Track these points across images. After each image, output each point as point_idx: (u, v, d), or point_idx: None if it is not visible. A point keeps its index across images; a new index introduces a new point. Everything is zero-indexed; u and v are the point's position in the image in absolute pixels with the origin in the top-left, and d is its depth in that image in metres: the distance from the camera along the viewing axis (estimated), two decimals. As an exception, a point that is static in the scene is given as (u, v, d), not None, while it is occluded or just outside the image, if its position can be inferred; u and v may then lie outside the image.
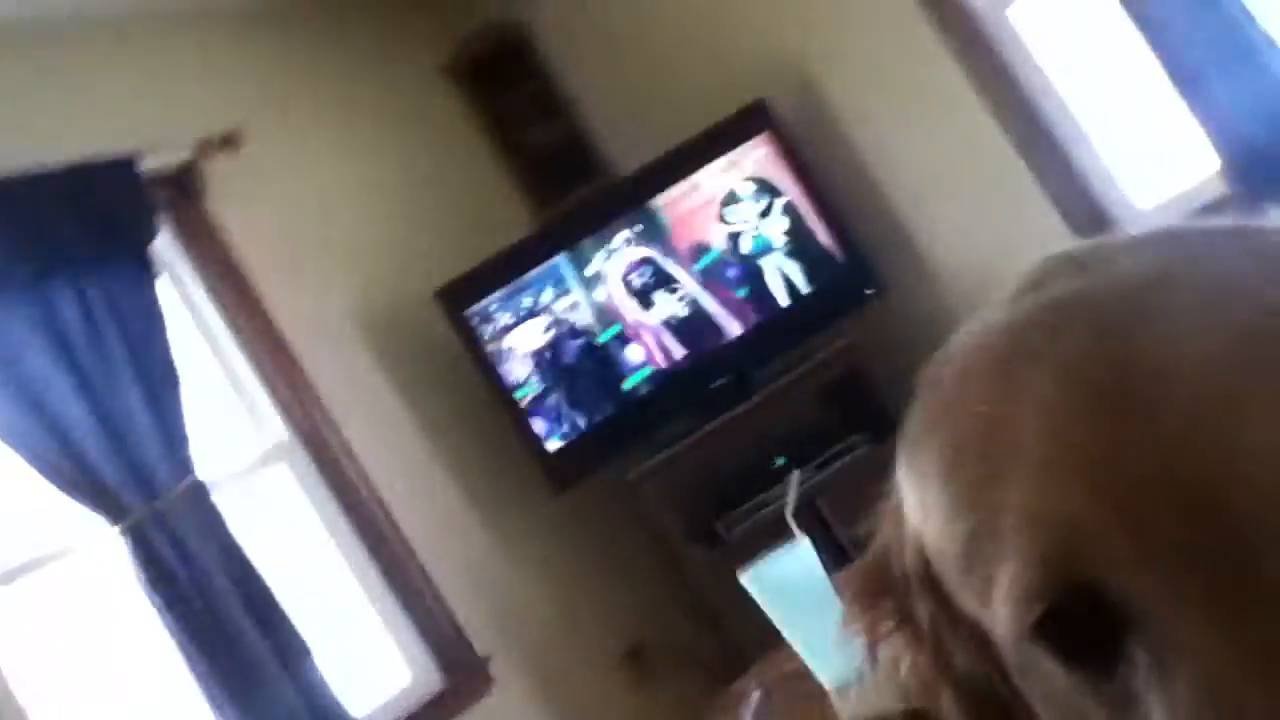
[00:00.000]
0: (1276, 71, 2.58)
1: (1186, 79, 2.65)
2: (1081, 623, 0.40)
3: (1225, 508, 0.37)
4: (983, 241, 3.13)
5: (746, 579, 1.63)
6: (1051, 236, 2.97)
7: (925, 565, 0.47)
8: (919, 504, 0.47)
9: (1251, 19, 2.59)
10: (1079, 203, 2.97)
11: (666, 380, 3.23)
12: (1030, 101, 2.98)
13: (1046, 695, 0.44)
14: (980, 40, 2.99)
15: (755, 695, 1.75)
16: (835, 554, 3.00)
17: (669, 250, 3.24)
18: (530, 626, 3.20)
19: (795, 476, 1.73)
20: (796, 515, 2.72)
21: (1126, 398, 0.39)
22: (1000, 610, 0.42)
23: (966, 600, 0.45)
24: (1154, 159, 2.95)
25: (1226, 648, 0.36)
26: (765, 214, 3.23)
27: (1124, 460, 0.39)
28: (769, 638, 1.76)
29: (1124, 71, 2.85)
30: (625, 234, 3.23)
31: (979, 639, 0.46)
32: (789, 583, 1.63)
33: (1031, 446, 0.40)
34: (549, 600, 3.27)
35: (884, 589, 0.50)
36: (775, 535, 1.71)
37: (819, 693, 1.61)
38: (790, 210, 3.22)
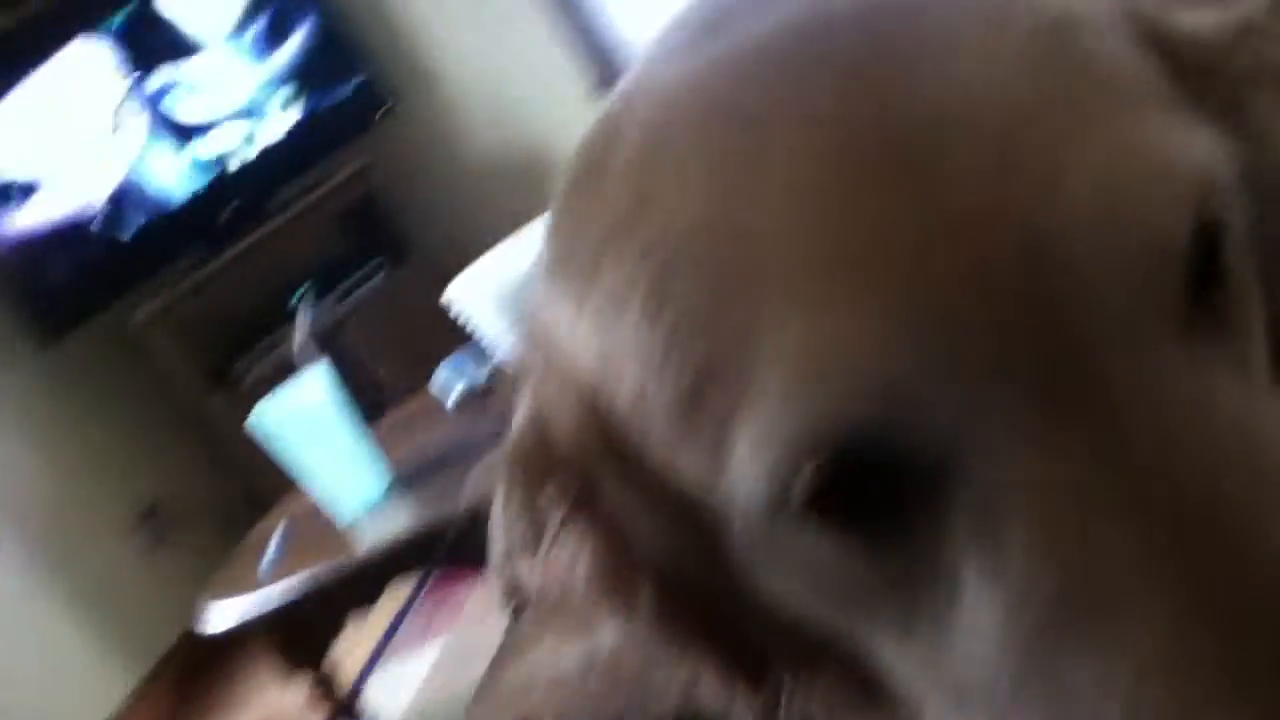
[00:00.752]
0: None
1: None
2: (863, 479, 0.30)
3: (1072, 292, 0.28)
4: (491, 60, 3.11)
5: (255, 417, 1.55)
6: (556, 58, 3.00)
7: (606, 427, 0.35)
8: (597, 345, 0.34)
9: None
10: (578, 23, 3.02)
11: (168, 212, 2.95)
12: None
13: (800, 574, 0.33)
14: None
15: (276, 534, 1.69)
16: (360, 382, 2.94)
17: (161, 62, 2.91)
18: (30, 500, 2.89)
19: (303, 304, 1.64)
20: (318, 345, 2.63)
21: (910, 163, 0.29)
22: (745, 474, 0.31)
23: (684, 463, 0.33)
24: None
25: (1082, 473, 0.28)
26: (276, 30, 2.98)
27: (923, 251, 0.28)
28: (294, 477, 1.70)
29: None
30: (105, 48, 2.86)
31: (689, 513, 0.34)
32: (301, 417, 1.56)
33: (784, 246, 0.29)
34: (49, 467, 2.96)
35: (546, 467, 0.37)
36: (296, 371, 1.63)
37: (340, 522, 1.59)
38: (297, 27, 3.00)
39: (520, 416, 0.39)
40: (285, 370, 1.72)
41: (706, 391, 0.31)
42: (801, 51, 0.31)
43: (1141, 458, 0.28)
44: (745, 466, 0.31)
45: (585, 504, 0.37)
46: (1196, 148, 0.31)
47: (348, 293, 3.01)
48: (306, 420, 1.57)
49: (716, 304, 0.30)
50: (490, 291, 1.42)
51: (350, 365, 2.96)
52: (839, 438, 0.29)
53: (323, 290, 2.97)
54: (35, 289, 2.85)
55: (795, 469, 0.30)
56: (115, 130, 2.89)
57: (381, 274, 3.03)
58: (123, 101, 2.88)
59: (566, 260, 0.34)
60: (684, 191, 0.31)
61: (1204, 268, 0.31)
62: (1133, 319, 0.29)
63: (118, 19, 2.86)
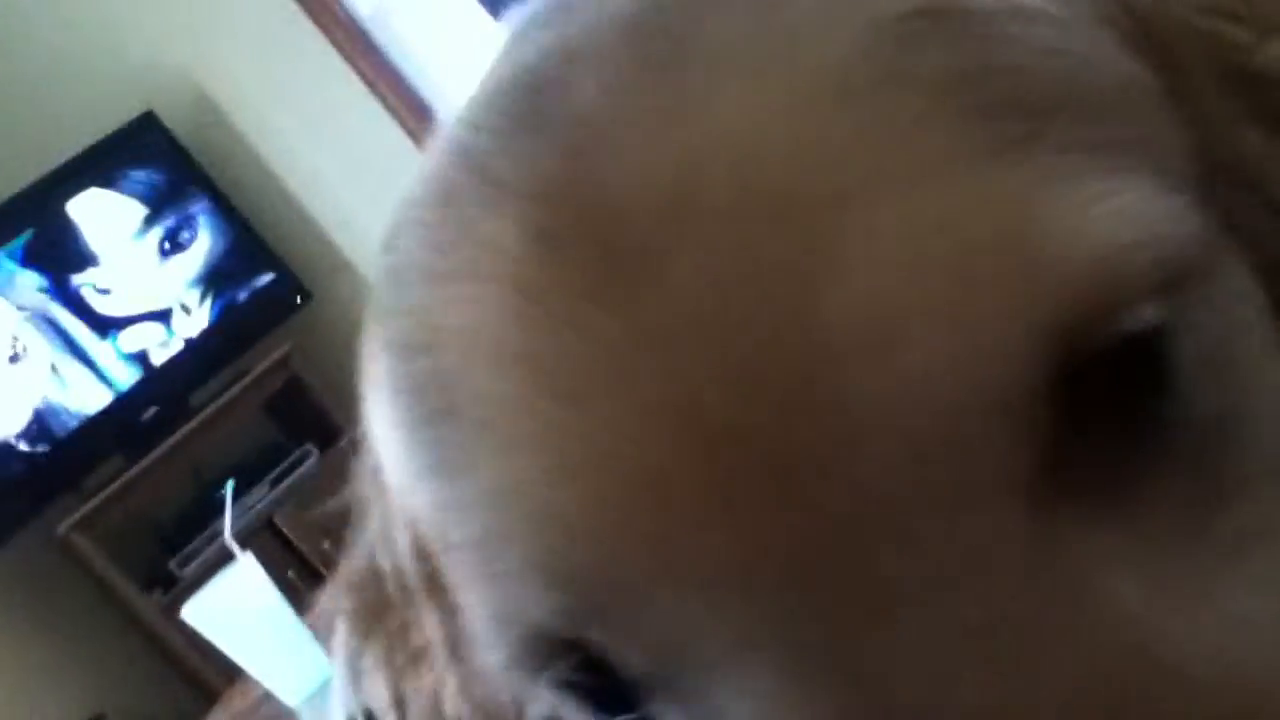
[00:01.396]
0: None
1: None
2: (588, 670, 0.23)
3: (843, 446, 0.19)
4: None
5: (189, 613, 1.55)
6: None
7: (423, 551, 0.29)
8: (394, 459, 0.27)
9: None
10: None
11: (87, 421, 2.96)
12: (422, 98, 3.08)
13: None
14: (366, 43, 3.04)
15: (221, 732, 1.67)
16: (301, 570, 2.93)
17: (63, 284, 2.96)
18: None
19: (229, 494, 1.66)
20: (254, 536, 2.62)
21: (619, 246, 0.21)
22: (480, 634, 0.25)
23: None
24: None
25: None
26: (175, 237, 3.05)
27: (623, 379, 0.20)
28: (239, 671, 1.69)
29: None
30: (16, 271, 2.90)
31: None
32: (237, 607, 1.56)
33: (470, 356, 0.22)
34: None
35: (384, 599, 0.32)
36: (231, 562, 1.64)
37: (285, 713, 1.58)
38: (202, 229, 3.07)
39: (358, 546, 0.34)
40: (221, 565, 1.73)
41: (449, 533, 0.24)
42: (523, 117, 0.23)
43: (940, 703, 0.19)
44: (478, 630, 0.25)
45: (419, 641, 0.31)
46: (1145, 212, 0.20)
47: (279, 479, 3.02)
48: (239, 612, 1.58)
49: (438, 434, 0.24)
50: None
51: (290, 549, 2.95)
52: (528, 624, 0.22)
53: (254, 480, 2.97)
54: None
55: (508, 640, 0.23)
56: (15, 360, 2.91)
57: (312, 458, 3.05)
58: (19, 327, 2.91)
59: (370, 364, 0.29)
60: (407, 291, 0.25)
61: (1148, 401, 0.21)
62: (948, 488, 0.19)
63: (20, 241, 2.91)
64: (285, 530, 2.97)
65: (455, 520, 0.24)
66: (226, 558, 1.67)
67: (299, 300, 3.16)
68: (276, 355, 3.08)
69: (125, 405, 2.99)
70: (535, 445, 0.21)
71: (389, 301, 0.26)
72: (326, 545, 2.94)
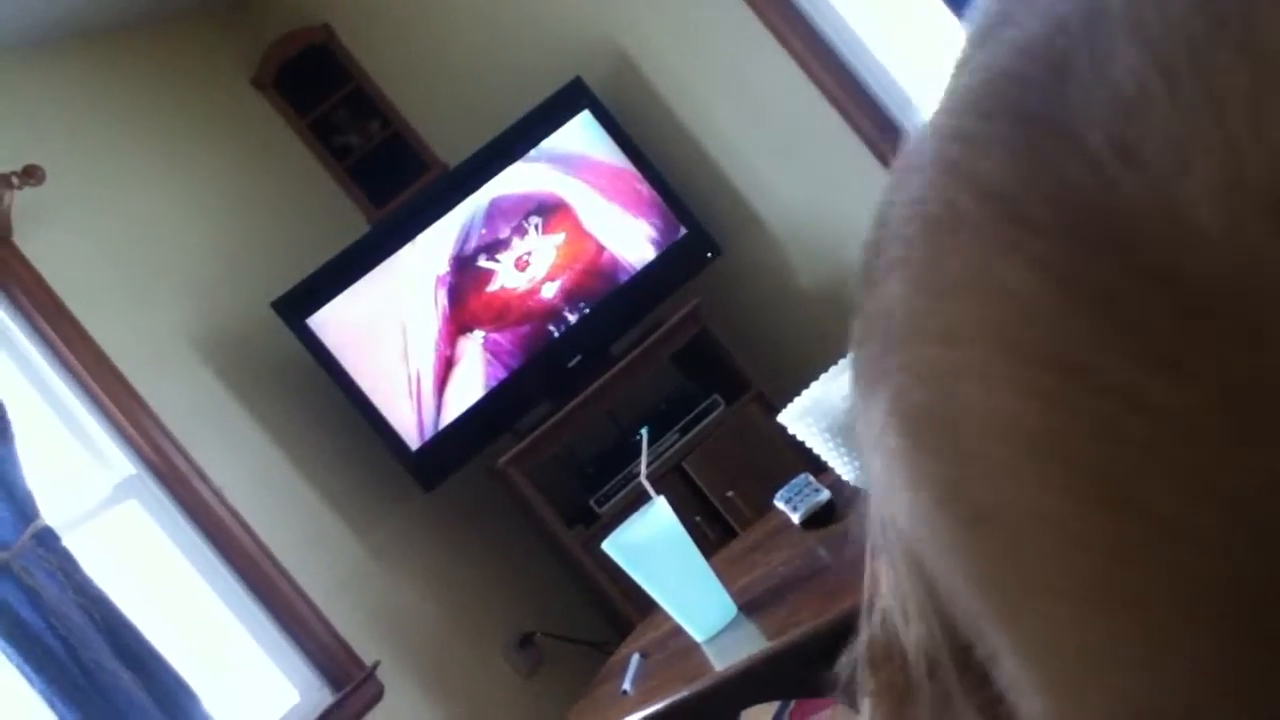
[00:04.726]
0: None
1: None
2: None
3: None
4: (809, 192, 3.22)
5: (608, 547, 1.66)
6: (873, 180, 3.06)
7: (949, 628, 0.24)
8: (923, 542, 0.23)
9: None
10: (895, 148, 3.07)
11: (523, 365, 3.23)
12: (837, 52, 3.06)
13: None
14: (785, 5, 3.05)
15: (634, 659, 1.78)
16: (706, 513, 3.06)
17: (507, 238, 3.23)
18: (416, 628, 3.18)
19: (645, 440, 1.76)
20: (664, 479, 2.74)
21: (1187, 323, 0.16)
22: None
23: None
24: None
25: None
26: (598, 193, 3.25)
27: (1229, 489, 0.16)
28: (649, 604, 1.80)
29: (923, 22, 2.95)
30: (462, 224, 3.21)
31: None
32: (650, 544, 1.66)
33: (997, 475, 0.19)
34: (432, 598, 3.26)
35: (903, 688, 0.27)
36: (646, 503, 1.74)
37: (691, 646, 1.65)
38: (619, 188, 3.25)
39: (874, 603, 0.29)
40: (638, 503, 1.84)
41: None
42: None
43: None
44: None
45: None
46: None
47: (688, 427, 3.16)
48: (652, 550, 1.67)
49: (952, 523, 0.20)
50: (819, 417, 1.47)
51: (697, 497, 3.09)
52: None
53: (665, 426, 3.13)
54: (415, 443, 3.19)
55: None
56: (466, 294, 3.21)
57: (719, 409, 3.16)
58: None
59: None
60: (888, 334, 0.21)
61: None
62: None
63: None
64: (693, 476, 3.11)
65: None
66: (641, 498, 1.77)
67: (709, 255, 3.26)
68: (687, 309, 3.21)
69: (555, 353, 3.24)
70: (1083, 581, 0.17)
71: (881, 357, 0.21)
72: (730, 494, 3.04)
